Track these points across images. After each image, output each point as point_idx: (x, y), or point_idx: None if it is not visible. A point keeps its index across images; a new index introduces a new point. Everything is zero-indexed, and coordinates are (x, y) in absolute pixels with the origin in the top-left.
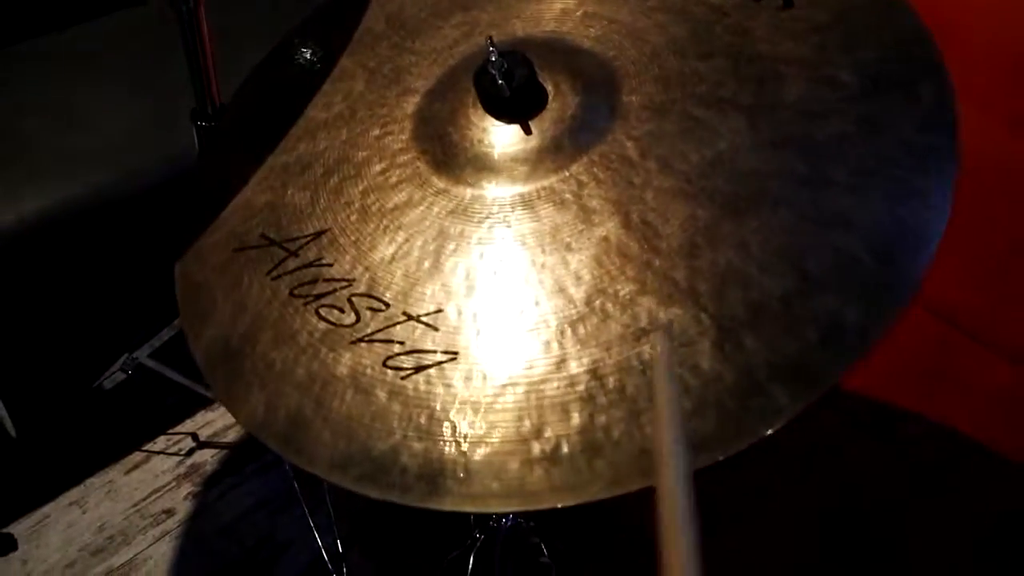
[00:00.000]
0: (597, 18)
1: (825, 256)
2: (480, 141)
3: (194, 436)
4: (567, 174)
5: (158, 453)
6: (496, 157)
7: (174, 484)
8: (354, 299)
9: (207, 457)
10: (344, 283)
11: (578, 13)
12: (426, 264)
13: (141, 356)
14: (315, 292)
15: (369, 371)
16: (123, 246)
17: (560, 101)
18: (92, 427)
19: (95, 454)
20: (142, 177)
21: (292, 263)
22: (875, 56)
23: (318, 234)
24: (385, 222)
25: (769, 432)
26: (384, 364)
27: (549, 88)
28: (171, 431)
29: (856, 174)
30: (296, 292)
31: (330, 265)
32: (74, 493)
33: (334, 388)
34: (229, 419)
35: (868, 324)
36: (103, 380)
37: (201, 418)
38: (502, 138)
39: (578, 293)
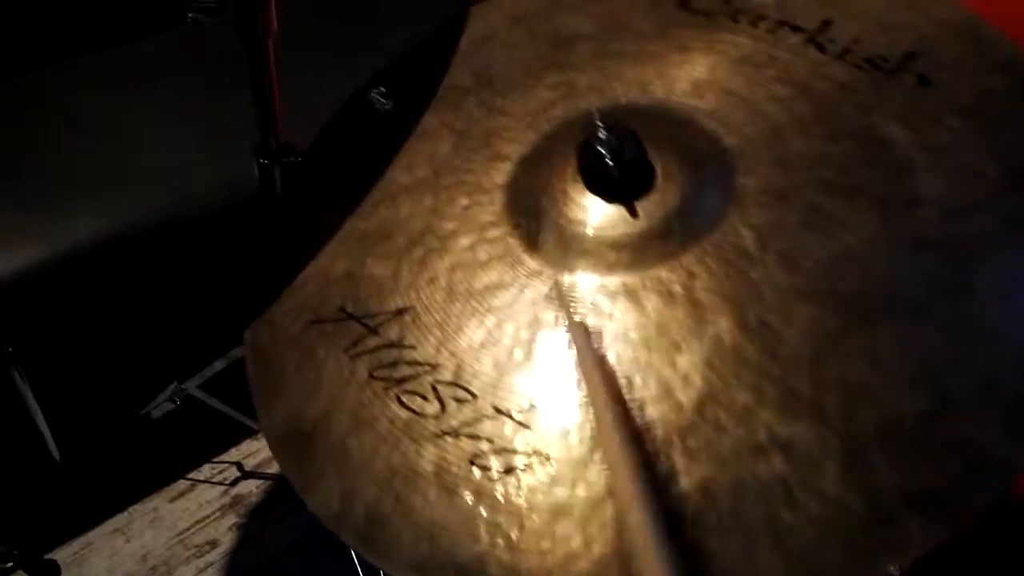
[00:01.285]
0: (709, 87)
1: (968, 375)
2: (580, 221)
3: (239, 465)
4: (676, 264)
5: (203, 482)
6: (597, 239)
7: (218, 514)
8: (439, 387)
9: (252, 488)
10: (428, 368)
11: (687, 80)
12: (518, 354)
13: (191, 387)
14: (396, 376)
15: (455, 469)
16: (177, 273)
17: (669, 181)
18: (137, 453)
19: (140, 481)
20: (197, 203)
21: (372, 341)
22: (1019, 145)
23: (400, 312)
24: (473, 304)
25: (895, 570)
26: (471, 463)
27: (657, 166)
28: (216, 459)
29: (1003, 282)
30: (376, 374)
31: (413, 347)
32: (118, 520)
33: (416, 485)
34: None
35: (1014, 454)
36: (151, 409)
37: (246, 447)
38: (605, 219)
39: (687, 399)
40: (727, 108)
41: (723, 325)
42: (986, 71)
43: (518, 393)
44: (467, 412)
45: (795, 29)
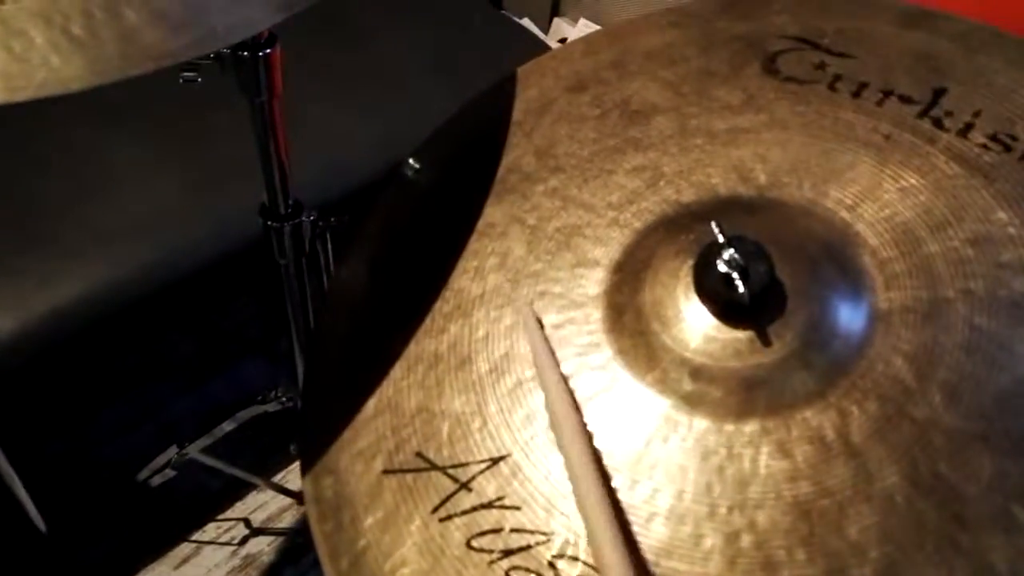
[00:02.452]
0: (818, 171)
1: None
2: (701, 349)
3: (247, 522)
4: (824, 403)
5: (209, 543)
6: (724, 372)
7: None
8: (558, 563)
9: (263, 546)
10: (540, 537)
11: (791, 164)
12: (652, 520)
13: (192, 452)
14: (502, 547)
15: None
16: (168, 331)
17: (801, 299)
18: (133, 518)
19: (139, 548)
20: (188, 257)
21: (466, 500)
22: None
23: (495, 460)
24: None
25: None
26: None
27: (786, 282)
28: (221, 517)
29: None
30: (475, 544)
31: (517, 508)
32: None
33: None
34: (283, 501)
35: None
36: (151, 476)
37: (252, 501)
38: (729, 348)
39: None
40: (849, 201)
41: (892, 481)
42: None
43: (657, 571)
44: None
45: (905, 100)
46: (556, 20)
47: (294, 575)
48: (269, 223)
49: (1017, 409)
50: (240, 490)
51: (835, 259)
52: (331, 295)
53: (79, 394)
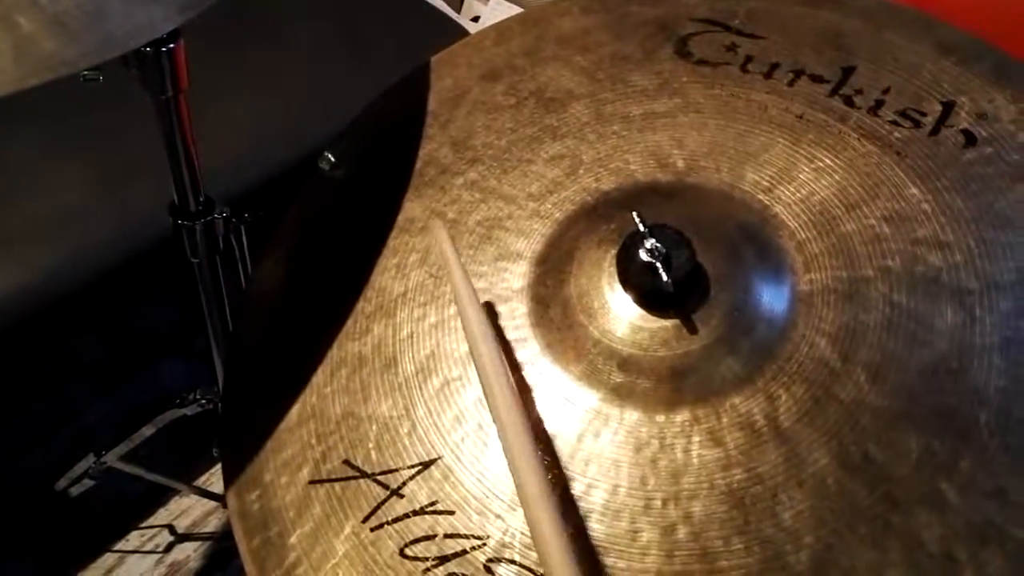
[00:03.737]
0: (733, 153)
1: None
2: (628, 339)
3: (171, 528)
4: (753, 388)
5: (133, 552)
6: (652, 361)
7: None
8: (494, 567)
9: (189, 552)
10: (476, 541)
11: (707, 147)
12: (588, 518)
13: (111, 460)
14: (437, 554)
15: None
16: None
17: (724, 285)
18: (55, 531)
19: (63, 561)
20: (96, 258)
21: (397, 507)
22: None
23: (426, 465)
24: None
25: None
26: None
27: (707, 266)
28: (144, 525)
29: None
30: (409, 552)
31: (451, 513)
32: None
33: None
34: (208, 505)
35: None
36: (70, 486)
37: (176, 506)
38: (657, 337)
39: (802, 564)
40: (763, 182)
41: (822, 464)
42: None
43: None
44: None
45: (816, 80)
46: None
47: None
48: (180, 222)
49: (940, 385)
50: (162, 496)
51: (755, 242)
52: (248, 298)
53: None
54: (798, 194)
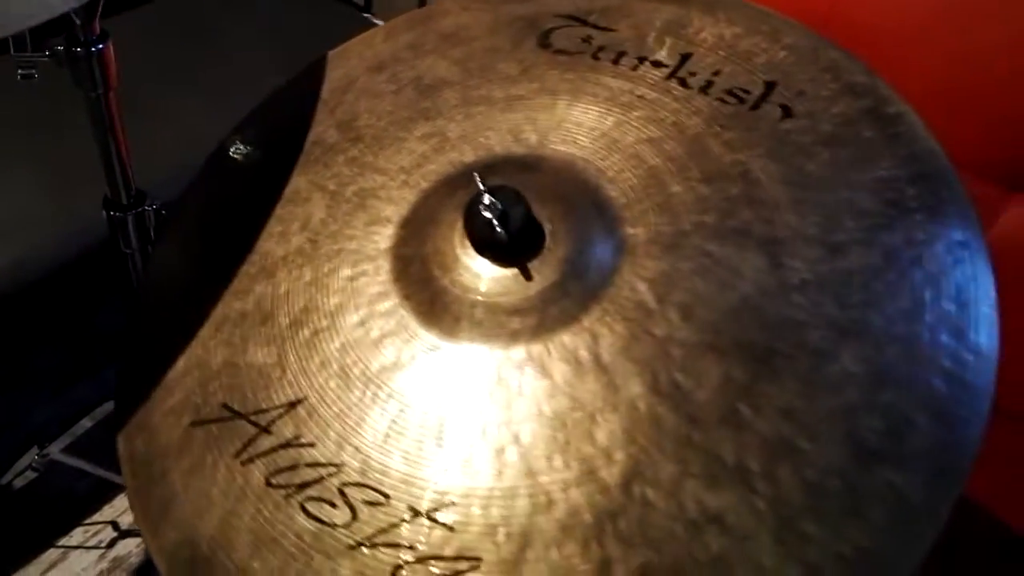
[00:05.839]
0: (580, 130)
1: (877, 419)
2: (475, 288)
3: (114, 524)
4: (579, 327)
5: (76, 548)
6: (494, 307)
7: None
8: (346, 490)
9: (131, 548)
10: (332, 469)
11: (558, 124)
12: (428, 443)
13: (54, 452)
14: (297, 481)
15: None
16: (20, 329)
17: (558, 238)
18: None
19: (6, 555)
20: (40, 258)
21: (265, 442)
22: (888, 174)
23: (292, 404)
24: (372, 389)
25: None
26: None
27: (544, 223)
28: (88, 521)
29: (896, 318)
30: (274, 481)
31: (312, 445)
32: None
33: None
34: None
35: (936, 496)
36: (13, 479)
37: (120, 503)
38: (499, 284)
39: (612, 477)
40: (603, 153)
41: (636, 391)
42: (843, 95)
43: (433, 489)
44: (381, 517)
45: (656, 65)
46: None
47: None
48: (112, 213)
49: (743, 322)
50: (107, 493)
51: (590, 202)
52: (150, 267)
53: None
54: (632, 161)
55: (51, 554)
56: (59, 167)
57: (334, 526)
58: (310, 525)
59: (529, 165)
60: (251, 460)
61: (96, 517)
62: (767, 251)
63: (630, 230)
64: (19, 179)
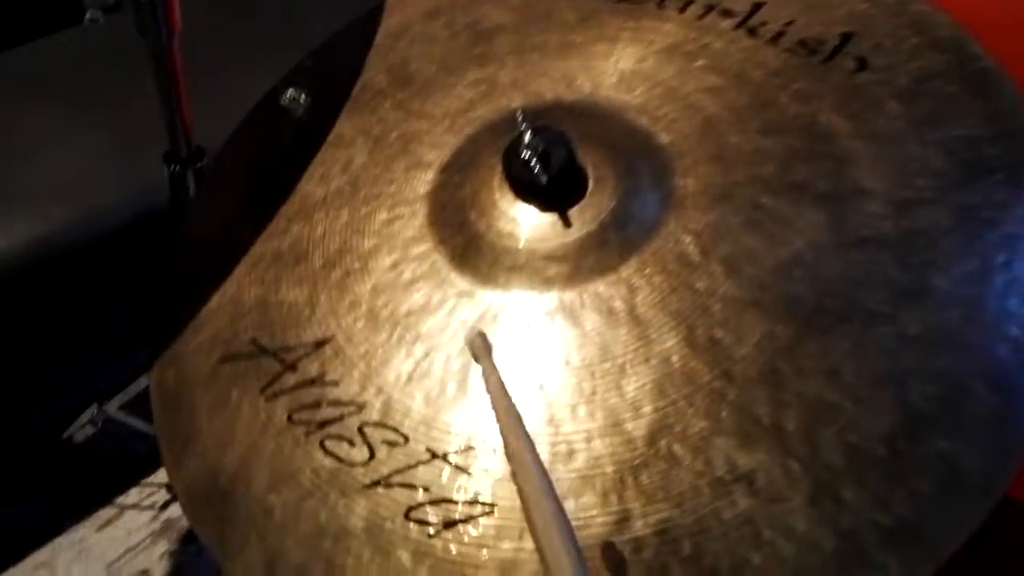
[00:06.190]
0: (637, 79)
1: (931, 386)
2: (510, 234)
3: (169, 487)
4: (616, 277)
5: (132, 507)
6: (529, 253)
7: (149, 541)
8: (366, 429)
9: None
10: (353, 408)
11: (615, 73)
12: (451, 387)
13: (111, 409)
14: (319, 418)
15: (389, 525)
16: (90, 288)
17: (603, 185)
18: (58, 480)
19: (63, 510)
20: (106, 215)
21: (290, 379)
22: (967, 132)
23: (320, 343)
24: (399, 331)
25: None
26: (406, 516)
27: (589, 169)
28: (145, 482)
29: (961, 281)
30: (295, 417)
31: (335, 384)
32: (42, 555)
33: (347, 545)
34: None
35: (990, 470)
36: (72, 432)
37: None
38: (536, 230)
39: (638, 430)
40: (658, 102)
41: (670, 344)
42: (925, 50)
43: (454, 432)
44: (399, 457)
45: (725, 14)
46: None
47: None
48: (173, 168)
49: (793, 278)
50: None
51: (640, 150)
52: (194, 208)
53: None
54: (688, 111)
55: (107, 511)
56: (126, 126)
57: (352, 464)
58: (328, 463)
59: (579, 112)
60: (275, 396)
61: (152, 479)
62: (826, 207)
63: (679, 180)
64: (85, 138)
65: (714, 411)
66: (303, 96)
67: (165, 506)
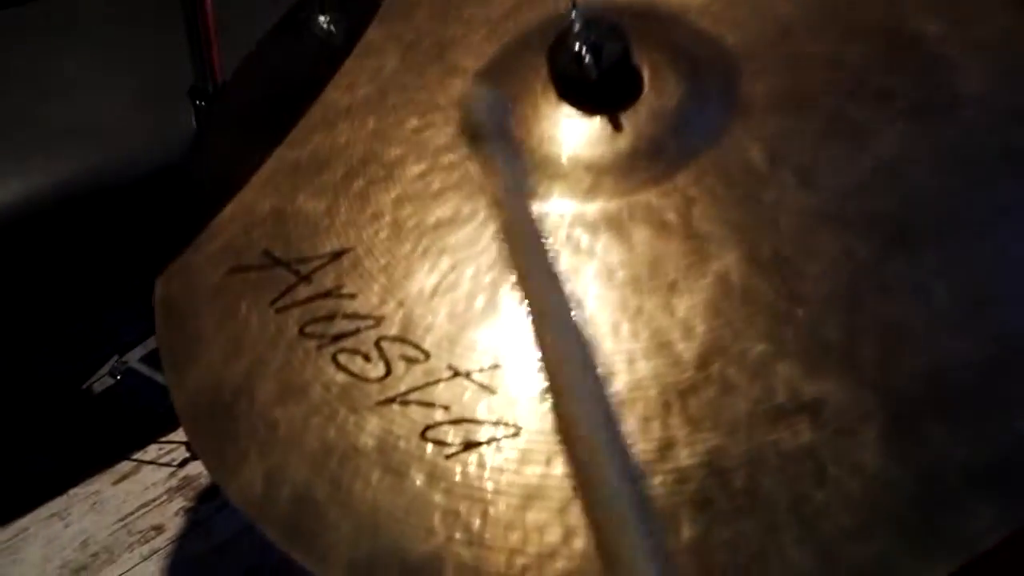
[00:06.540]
0: None
1: None
2: (552, 138)
3: (188, 445)
4: (671, 187)
5: (148, 463)
6: (573, 160)
7: (165, 498)
8: (384, 344)
9: (200, 469)
10: (371, 322)
11: None
12: (479, 302)
13: (132, 360)
14: (333, 332)
15: (402, 444)
16: (118, 235)
17: (660, 88)
18: (77, 432)
19: (80, 461)
20: (138, 158)
21: (303, 291)
22: None
23: (337, 255)
24: (425, 243)
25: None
26: (422, 436)
27: (645, 70)
28: (163, 439)
29: None
30: (308, 330)
31: (353, 297)
32: (56, 504)
33: (356, 464)
34: None
35: None
36: (92, 383)
37: None
38: (582, 135)
39: (688, 352)
40: (724, 4)
41: (729, 260)
42: None
43: (479, 350)
44: (418, 374)
45: None
46: None
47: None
48: (198, 103)
49: (876, 191)
50: None
51: (703, 52)
52: (216, 115)
53: (17, 302)
54: (762, 11)
55: (124, 466)
56: (155, 72)
57: (366, 380)
58: (340, 377)
59: (638, 13)
60: (286, 308)
61: (172, 436)
62: (919, 117)
63: (748, 85)
64: (113, 76)
65: (777, 333)
66: (334, 21)
67: (183, 463)
